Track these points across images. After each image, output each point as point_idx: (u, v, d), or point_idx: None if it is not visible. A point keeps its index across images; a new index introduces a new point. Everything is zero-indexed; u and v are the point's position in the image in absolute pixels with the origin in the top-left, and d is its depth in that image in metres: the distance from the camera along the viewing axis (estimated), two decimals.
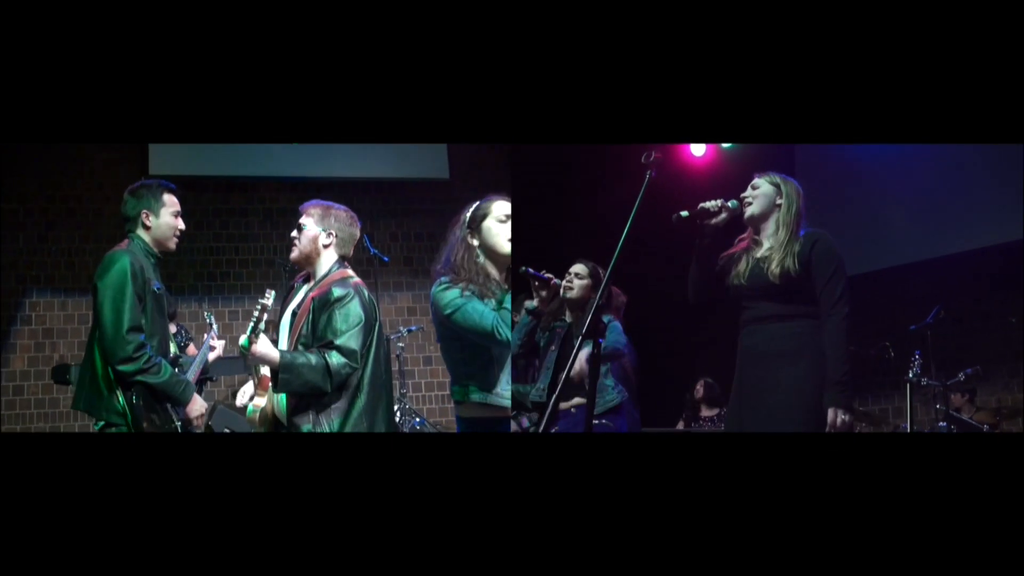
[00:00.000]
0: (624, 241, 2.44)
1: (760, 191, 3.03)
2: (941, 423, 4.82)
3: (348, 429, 2.86)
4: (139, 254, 3.07)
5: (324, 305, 2.87)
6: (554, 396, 2.54)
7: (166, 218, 3.16)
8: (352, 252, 3.03)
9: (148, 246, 3.14)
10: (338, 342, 2.81)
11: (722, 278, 3.08)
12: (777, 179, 3.04)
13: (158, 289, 3.09)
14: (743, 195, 3.04)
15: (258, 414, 2.97)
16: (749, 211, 3.03)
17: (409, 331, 6.79)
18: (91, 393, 3.01)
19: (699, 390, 6.13)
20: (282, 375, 2.75)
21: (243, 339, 2.74)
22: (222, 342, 3.59)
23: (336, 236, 3.01)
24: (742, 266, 3.04)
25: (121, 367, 2.91)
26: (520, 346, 3.63)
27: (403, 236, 7.35)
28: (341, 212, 3.06)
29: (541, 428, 2.59)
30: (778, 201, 3.01)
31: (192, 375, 3.30)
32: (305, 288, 3.05)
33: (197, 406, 3.13)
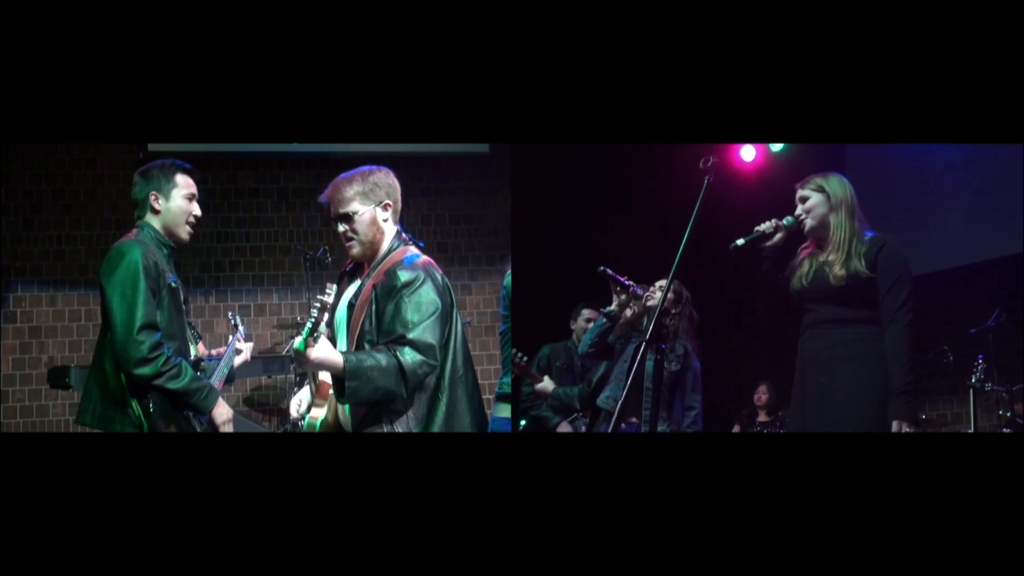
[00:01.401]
0: (684, 246, 2.62)
1: (810, 203, 3.11)
2: (1005, 429, 4.89)
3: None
4: (150, 244, 2.93)
5: (389, 293, 2.59)
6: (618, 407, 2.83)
7: (178, 201, 2.98)
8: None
9: (159, 234, 2.99)
10: (411, 336, 2.54)
11: (790, 292, 3.16)
12: (819, 182, 3.11)
13: (174, 283, 2.96)
14: (796, 212, 3.12)
15: (318, 426, 2.73)
16: (808, 226, 3.10)
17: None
18: (102, 406, 2.87)
19: (762, 395, 6.20)
20: (349, 383, 2.49)
21: (298, 341, 2.48)
22: (249, 344, 3.45)
23: (392, 204, 2.72)
24: (805, 268, 3.12)
25: (136, 371, 2.77)
26: (591, 346, 3.87)
27: (436, 219, 6.98)
28: (379, 174, 2.74)
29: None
30: (830, 204, 3.08)
31: (217, 382, 3.13)
32: (361, 275, 2.77)
33: (223, 411, 2.97)
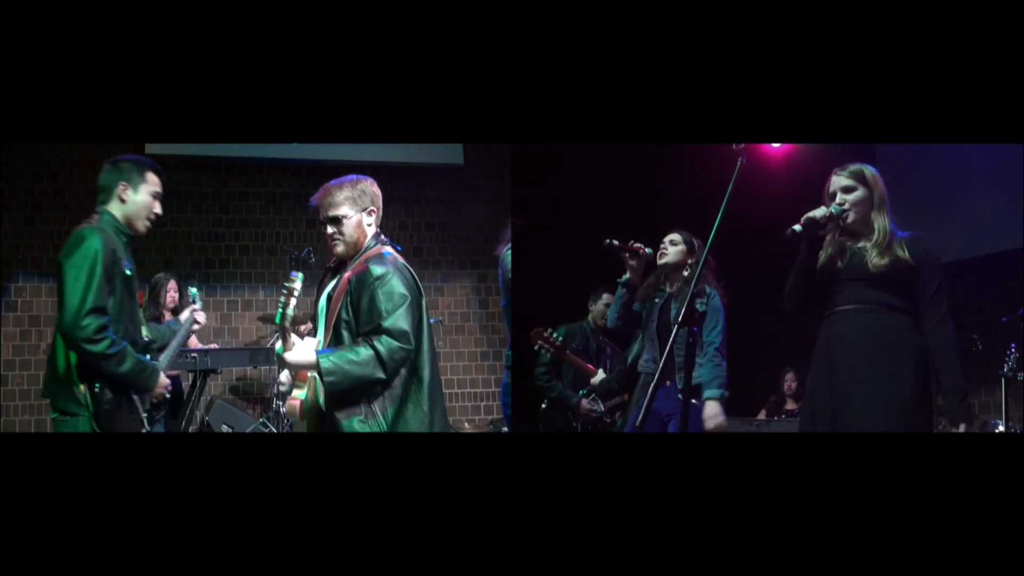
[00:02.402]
0: (717, 228, 2.54)
1: (854, 196, 3.02)
2: None
3: (408, 418, 2.75)
4: (110, 231, 2.92)
5: (362, 285, 2.73)
6: (656, 375, 2.73)
7: (144, 196, 3.00)
8: None
9: (119, 223, 2.98)
10: (386, 324, 2.68)
11: (823, 274, 3.06)
12: (859, 172, 3.04)
13: (129, 271, 2.96)
14: (840, 202, 3.03)
15: (298, 407, 2.83)
16: (851, 217, 3.02)
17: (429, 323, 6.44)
18: (55, 384, 2.87)
19: (791, 383, 6.00)
20: (327, 379, 2.64)
21: (278, 346, 2.71)
22: (203, 315, 3.50)
23: (376, 210, 2.89)
24: (836, 250, 3.03)
25: (81, 348, 2.77)
26: (617, 319, 3.86)
27: (412, 225, 7.16)
28: (366, 183, 2.90)
29: (639, 419, 2.70)
30: (873, 200, 3.02)
31: (172, 351, 3.22)
32: (339, 271, 2.92)
33: (161, 383, 3.02)
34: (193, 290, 3.61)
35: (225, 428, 6.22)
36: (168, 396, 3.08)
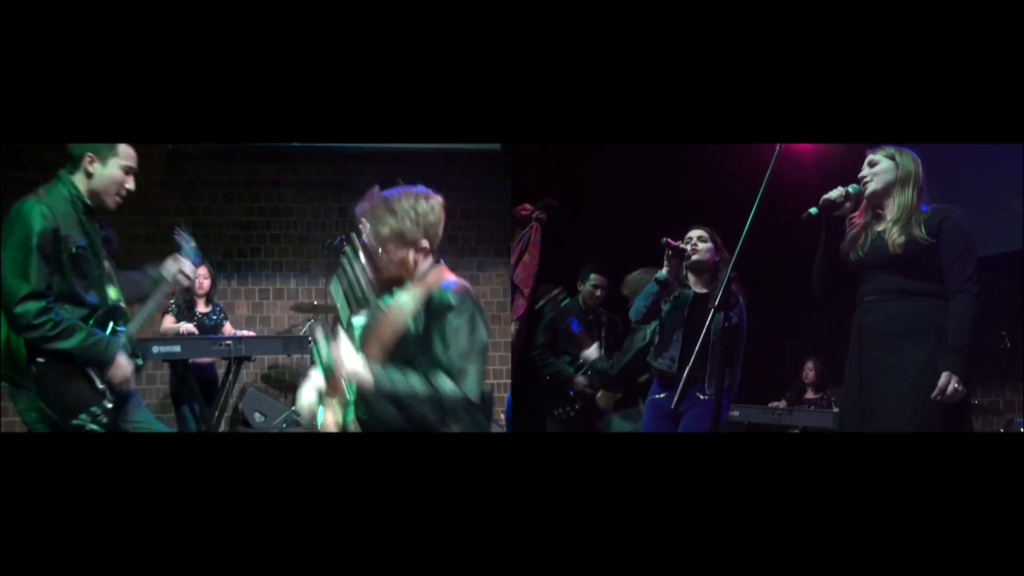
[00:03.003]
0: (753, 217, 2.52)
1: (879, 167, 3.00)
2: None
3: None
4: (59, 204, 2.73)
5: (435, 308, 2.28)
6: (687, 369, 2.71)
7: (113, 170, 2.83)
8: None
9: (79, 193, 2.80)
10: (462, 385, 2.23)
11: (846, 262, 3.05)
12: (892, 151, 3.01)
13: (78, 249, 2.76)
14: (860, 175, 3.02)
15: (319, 422, 2.42)
16: (870, 188, 2.99)
17: None
18: (5, 365, 2.76)
19: (809, 372, 5.98)
20: (378, 403, 2.22)
21: (324, 352, 2.22)
22: (190, 266, 3.12)
23: (430, 244, 2.35)
24: (861, 239, 3.01)
25: (23, 335, 2.65)
26: (646, 314, 3.81)
27: (448, 212, 6.93)
28: (423, 203, 2.35)
29: (674, 401, 2.78)
30: (897, 174, 2.97)
31: (147, 313, 3.02)
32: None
33: (121, 368, 2.80)
34: (186, 242, 3.19)
35: (258, 416, 6.24)
36: (131, 386, 2.85)
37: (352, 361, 2.21)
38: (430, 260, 2.40)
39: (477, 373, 2.26)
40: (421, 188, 2.42)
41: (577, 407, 4.89)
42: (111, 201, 2.87)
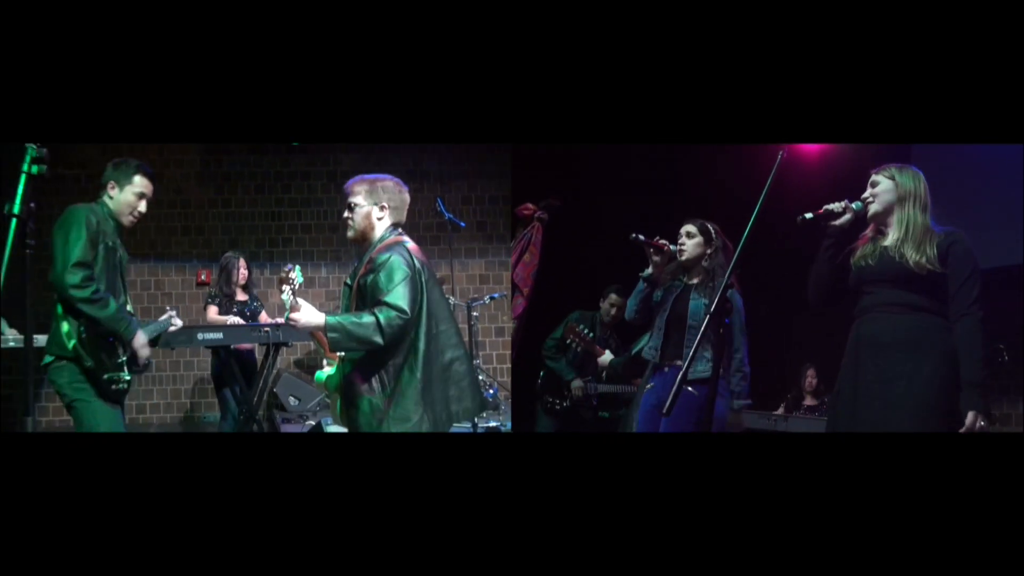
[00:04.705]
0: (754, 221, 2.48)
1: (879, 188, 3.05)
2: None
3: (403, 386, 3.00)
4: (101, 213, 3.37)
5: (371, 271, 3.05)
6: (680, 374, 2.60)
7: (128, 196, 3.43)
8: (405, 217, 3.18)
9: (111, 211, 3.44)
10: (386, 298, 2.97)
11: (845, 274, 3.07)
12: (893, 171, 3.05)
13: (112, 244, 3.36)
14: (864, 196, 3.06)
15: (324, 377, 3.22)
16: (872, 210, 3.04)
17: (492, 298, 6.65)
18: (51, 332, 3.29)
19: (810, 379, 6.03)
20: (330, 335, 2.95)
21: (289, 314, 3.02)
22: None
23: (388, 207, 3.16)
24: (868, 249, 3.04)
25: (69, 293, 3.17)
26: (636, 312, 3.85)
27: (476, 199, 7.15)
28: (388, 182, 3.19)
29: (667, 407, 2.62)
30: (898, 193, 3.02)
31: (149, 328, 3.56)
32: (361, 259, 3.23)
33: (140, 340, 3.39)
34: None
35: (292, 400, 6.40)
36: (148, 361, 3.44)
37: (306, 314, 2.99)
38: (388, 224, 3.13)
39: (402, 298, 2.94)
40: (394, 177, 3.19)
41: (566, 404, 5.11)
42: (126, 220, 3.46)
